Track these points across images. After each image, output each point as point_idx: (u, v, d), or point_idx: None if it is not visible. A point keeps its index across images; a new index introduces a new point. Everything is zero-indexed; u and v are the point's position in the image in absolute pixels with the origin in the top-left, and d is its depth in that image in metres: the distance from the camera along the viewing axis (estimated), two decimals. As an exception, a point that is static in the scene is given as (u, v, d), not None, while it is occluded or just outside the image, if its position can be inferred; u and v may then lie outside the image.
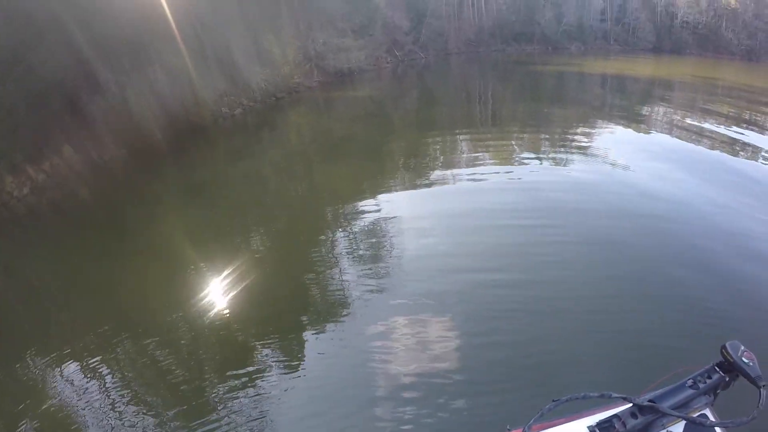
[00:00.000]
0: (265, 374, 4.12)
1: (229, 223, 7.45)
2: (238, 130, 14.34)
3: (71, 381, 4.23)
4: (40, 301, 5.89)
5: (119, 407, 3.88)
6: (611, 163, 9.48)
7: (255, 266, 5.84)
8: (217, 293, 5.39)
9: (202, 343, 4.61)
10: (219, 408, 3.78)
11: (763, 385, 1.58)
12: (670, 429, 1.60)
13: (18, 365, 4.53)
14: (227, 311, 5.07)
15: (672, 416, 1.59)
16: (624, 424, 1.59)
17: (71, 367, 4.40)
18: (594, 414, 1.71)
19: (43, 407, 3.97)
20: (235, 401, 3.85)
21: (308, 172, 9.92)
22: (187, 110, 12.78)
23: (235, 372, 4.16)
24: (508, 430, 1.74)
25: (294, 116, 15.84)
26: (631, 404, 1.62)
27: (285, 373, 4.13)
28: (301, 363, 4.26)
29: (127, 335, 4.76)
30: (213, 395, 3.92)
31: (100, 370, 4.33)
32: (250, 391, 3.95)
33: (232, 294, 5.31)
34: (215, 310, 5.07)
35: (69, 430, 3.71)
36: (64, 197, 9.41)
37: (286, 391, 3.96)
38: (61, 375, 4.33)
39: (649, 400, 1.61)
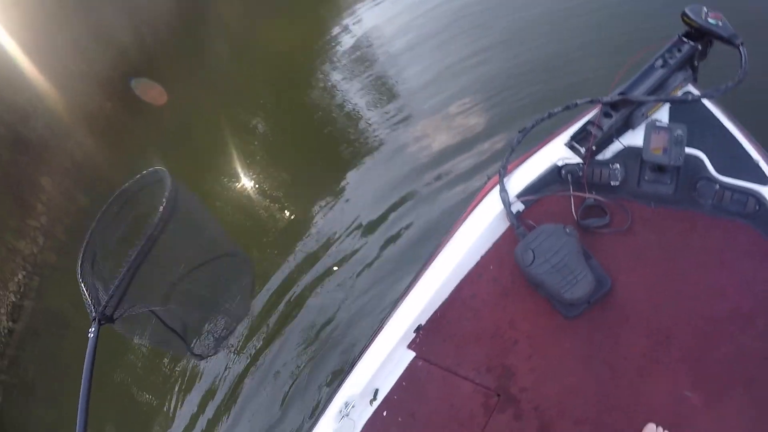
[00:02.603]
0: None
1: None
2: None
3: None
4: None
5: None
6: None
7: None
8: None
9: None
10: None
11: (741, 43, 1.44)
12: (654, 118, 1.49)
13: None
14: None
15: (650, 102, 1.49)
16: (600, 127, 1.51)
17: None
18: (567, 129, 1.63)
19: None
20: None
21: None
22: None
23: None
24: (488, 178, 1.67)
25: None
26: (600, 104, 1.52)
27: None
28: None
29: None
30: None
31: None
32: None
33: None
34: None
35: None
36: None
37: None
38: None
39: (619, 94, 1.50)
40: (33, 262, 5.00)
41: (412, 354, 1.59)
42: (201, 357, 1.64)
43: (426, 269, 1.64)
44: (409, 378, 1.57)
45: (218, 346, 1.61)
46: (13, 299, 4.83)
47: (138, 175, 1.48)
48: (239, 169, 4.60)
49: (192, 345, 1.51)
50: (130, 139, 5.39)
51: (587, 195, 1.56)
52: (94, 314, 1.26)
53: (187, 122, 5.24)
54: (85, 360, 1.19)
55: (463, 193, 3.02)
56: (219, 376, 3.16)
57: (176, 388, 3.29)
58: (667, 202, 1.53)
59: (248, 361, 3.07)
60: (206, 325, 1.56)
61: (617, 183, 1.55)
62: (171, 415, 3.21)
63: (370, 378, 1.55)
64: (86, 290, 1.29)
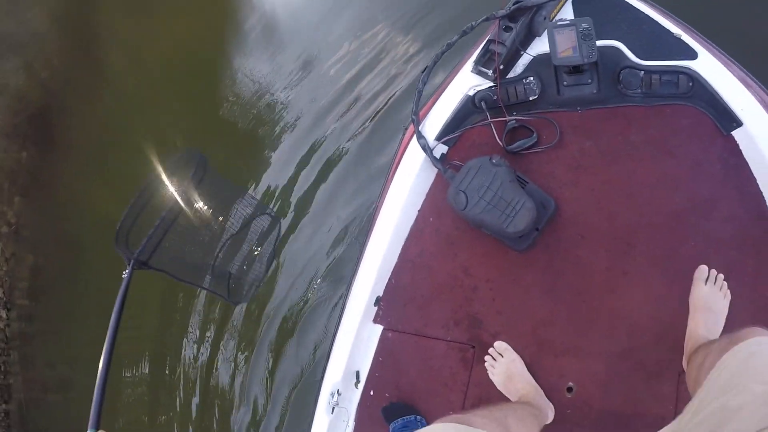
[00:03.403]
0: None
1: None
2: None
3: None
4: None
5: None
6: None
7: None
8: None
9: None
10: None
11: None
12: (558, 18, 1.40)
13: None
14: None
15: (546, 1, 1.39)
16: (502, 44, 1.41)
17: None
18: (471, 55, 1.52)
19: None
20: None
21: None
22: None
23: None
24: (404, 129, 1.61)
25: None
26: (497, 20, 1.42)
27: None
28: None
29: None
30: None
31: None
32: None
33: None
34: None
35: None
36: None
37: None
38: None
39: (514, 3, 1.40)
40: (3, 338, 4.80)
41: (379, 328, 1.53)
42: (236, 302, 1.90)
43: (368, 240, 1.54)
44: (383, 352, 1.51)
45: (251, 295, 1.80)
46: (-2, 382, 4.68)
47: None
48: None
49: (228, 292, 1.69)
50: (59, 181, 5.10)
51: (507, 118, 1.46)
52: (128, 256, 1.35)
53: (109, 144, 4.98)
54: (117, 300, 1.25)
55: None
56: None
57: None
58: (594, 102, 1.44)
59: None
60: (240, 274, 1.74)
61: (536, 96, 1.45)
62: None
63: (347, 362, 1.49)
64: (123, 236, 1.41)
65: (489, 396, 1.41)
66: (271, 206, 2.05)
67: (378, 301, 1.53)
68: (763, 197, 1.29)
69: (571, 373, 1.35)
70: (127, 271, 1.33)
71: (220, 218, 1.67)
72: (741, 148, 1.33)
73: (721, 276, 1.26)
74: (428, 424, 1.37)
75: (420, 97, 1.51)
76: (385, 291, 1.53)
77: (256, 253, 1.77)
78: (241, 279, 1.75)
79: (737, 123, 1.31)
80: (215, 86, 4.76)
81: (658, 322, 1.31)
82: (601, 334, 1.35)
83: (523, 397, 1.29)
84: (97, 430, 1.01)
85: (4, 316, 4.80)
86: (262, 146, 4.04)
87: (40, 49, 5.17)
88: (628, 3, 1.44)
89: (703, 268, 1.26)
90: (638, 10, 1.43)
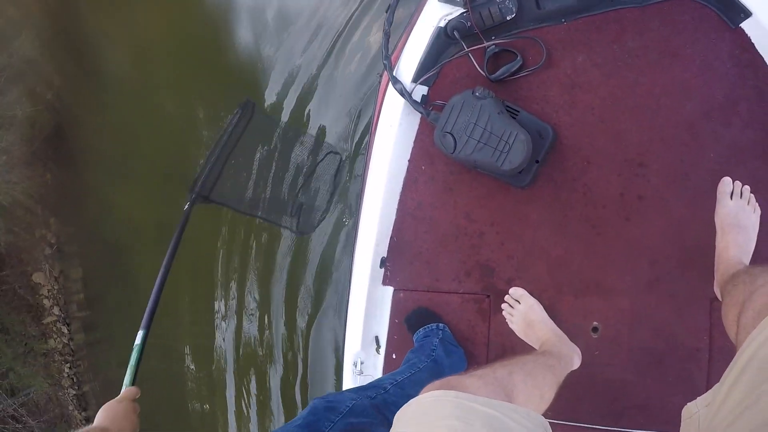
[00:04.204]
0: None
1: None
2: None
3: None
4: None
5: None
6: None
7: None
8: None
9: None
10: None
11: None
12: None
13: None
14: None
15: None
16: None
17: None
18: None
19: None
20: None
21: None
22: None
23: None
24: (379, 75, 1.54)
25: None
26: None
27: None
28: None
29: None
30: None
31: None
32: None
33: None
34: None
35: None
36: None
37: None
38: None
39: None
40: (69, 352, 5.11)
41: (390, 290, 1.47)
42: (302, 233, 2.02)
43: (363, 200, 1.47)
44: (399, 313, 1.46)
45: (316, 226, 1.92)
46: (74, 392, 5.01)
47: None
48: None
49: (297, 222, 1.81)
50: (87, 193, 5.27)
51: (486, 44, 1.31)
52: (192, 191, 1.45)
53: (126, 146, 5.08)
54: (176, 232, 1.32)
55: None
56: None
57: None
58: (580, 10, 1.27)
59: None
60: (306, 207, 1.87)
61: (513, 15, 1.29)
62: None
63: (363, 329, 1.45)
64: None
65: (512, 345, 1.34)
66: (329, 143, 2.15)
67: (384, 263, 1.46)
68: None
69: (595, 313, 1.27)
70: (187, 205, 1.42)
71: (278, 155, 1.78)
72: (753, 41, 1.16)
73: (748, 188, 1.12)
74: (450, 334, 1.38)
75: (388, 40, 1.38)
76: (389, 251, 1.46)
77: (320, 187, 1.88)
78: (307, 212, 1.85)
79: (746, 13, 1.14)
80: (216, 60, 4.71)
81: (682, 248, 1.20)
82: (622, 267, 1.25)
83: (545, 343, 1.20)
84: (148, 330, 1.10)
85: (66, 331, 5.10)
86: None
87: (37, 73, 5.22)
88: None
89: (726, 181, 1.13)
90: None
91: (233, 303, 3.88)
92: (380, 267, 1.46)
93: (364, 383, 1.36)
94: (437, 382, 0.68)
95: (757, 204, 1.12)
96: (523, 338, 1.30)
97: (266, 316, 3.68)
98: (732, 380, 0.59)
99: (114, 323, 5.13)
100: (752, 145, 1.16)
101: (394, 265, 1.46)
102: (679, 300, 1.20)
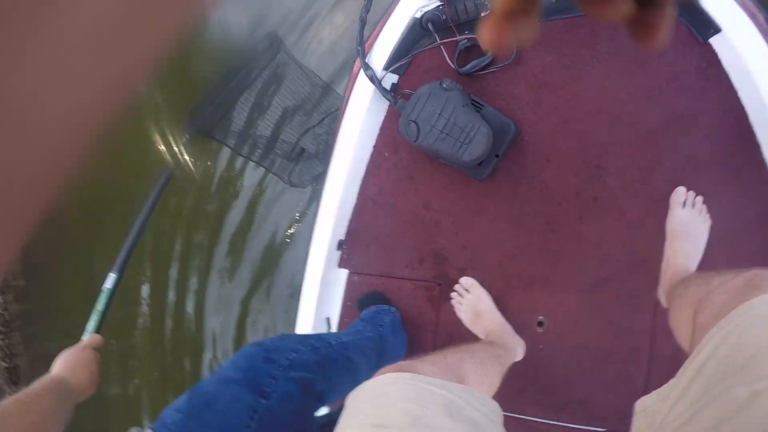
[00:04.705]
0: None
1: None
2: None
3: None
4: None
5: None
6: None
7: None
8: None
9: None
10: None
11: None
12: None
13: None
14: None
15: None
16: None
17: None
18: None
19: None
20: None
21: None
22: None
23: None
24: (353, 61, 1.53)
25: None
26: None
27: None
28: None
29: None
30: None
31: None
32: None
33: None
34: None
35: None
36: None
37: None
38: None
39: None
40: (3, 322, 4.85)
41: (345, 272, 1.48)
42: (294, 185, 1.98)
43: (325, 182, 1.47)
44: (352, 296, 1.47)
45: (311, 182, 1.90)
46: (5, 365, 4.76)
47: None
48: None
49: (289, 172, 1.79)
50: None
51: (458, 37, 1.34)
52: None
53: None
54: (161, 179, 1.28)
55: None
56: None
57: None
58: (554, 12, 1.30)
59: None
60: (308, 155, 1.85)
61: (488, 12, 1.32)
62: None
63: (315, 310, 1.45)
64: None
65: (459, 334, 1.38)
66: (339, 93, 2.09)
67: (341, 245, 1.47)
68: (745, 112, 1.19)
69: (542, 307, 1.31)
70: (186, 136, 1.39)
71: (290, 96, 1.73)
72: (720, 56, 1.21)
73: (700, 198, 1.18)
74: (399, 319, 1.40)
75: (363, 26, 1.39)
76: (347, 234, 1.47)
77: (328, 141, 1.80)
78: (307, 163, 1.82)
79: (716, 29, 1.19)
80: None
81: (631, 251, 1.25)
82: (572, 264, 1.29)
83: (491, 334, 1.24)
84: (122, 274, 1.04)
85: (1, 300, 4.82)
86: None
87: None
88: None
89: (680, 190, 1.19)
90: None
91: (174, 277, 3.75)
92: (337, 249, 1.47)
93: None
94: (391, 366, 0.69)
95: (708, 215, 1.18)
96: (469, 327, 1.33)
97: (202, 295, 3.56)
98: (689, 377, 0.60)
99: (51, 294, 4.91)
100: (708, 158, 1.22)
101: (351, 248, 1.47)
102: (624, 301, 1.26)
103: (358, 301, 1.46)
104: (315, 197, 2.71)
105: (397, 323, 1.38)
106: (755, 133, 1.19)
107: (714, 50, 1.21)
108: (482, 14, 1.33)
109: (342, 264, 1.48)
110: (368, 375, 1.24)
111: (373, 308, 1.39)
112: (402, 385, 0.62)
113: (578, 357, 1.31)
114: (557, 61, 1.32)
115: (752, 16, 1.15)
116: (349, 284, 1.48)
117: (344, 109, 1.45)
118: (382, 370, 0.69)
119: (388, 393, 0.62)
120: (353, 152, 1.42)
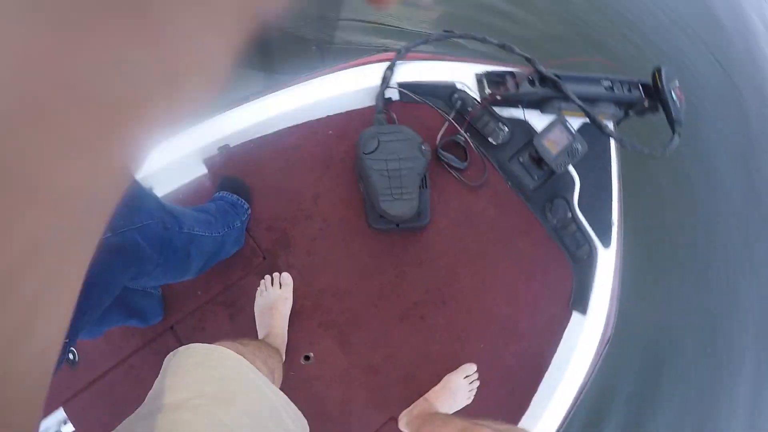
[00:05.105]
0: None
1: None
2: None
3: None
4: None
5: None
6: None
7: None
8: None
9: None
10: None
11: (679, 132, 1.40)
12: (566, 119, 1.41)
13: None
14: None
15: (573, 104, 1.40)
16: (517, 86, 1.41)
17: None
18: (486, 64, 1.50)
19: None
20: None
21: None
22: None
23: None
24: (385, 49, 1.58)
25: None
26: (533, 69, 1.41)
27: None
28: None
29: None
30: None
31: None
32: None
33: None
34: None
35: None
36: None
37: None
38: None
39: (555, 74, 1.41)
40: None
41: (203, 170, 1.41)
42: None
43: (269, 94, 1.43)
44: (192, 192, 1.41)
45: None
46: None
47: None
48: None
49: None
50: None
51: (462, 131, 1.46)
52: None
53: None
54: None
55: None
56: None
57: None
58: (522, 192, 1.50)
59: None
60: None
61: (495, 143, 1.47)
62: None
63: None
64: None
65: (245, 306, 1.36)
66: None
67: (223, 148, 1.42)
68: (542, 374, 1.43)
69: (317, 347, 1.37)
70: None
71: None
72: (566, 328, 1.45)
73: (478, 383, 1.37)
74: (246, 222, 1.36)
75: (422, 44, 1.47)
76: (236, 146, 1.43)
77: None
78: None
79: (583, 310, 1.42)
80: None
81: (413, 368, 1.38)
82: (366, 342, 1.38)
83: (269, 336, 1.26)
84: None
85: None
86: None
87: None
88: (611, 164, 1.50)
89: (473, 367, 1.38)
90: (610, 176, 1.50)
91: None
92: (217, 148, 1.42)
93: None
94: (225, 342, 0.74)
95: (474, 393, 1.37)
96: (256, 314, 1.33)
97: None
98: None
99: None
100: (504, 367, 1.42)
101: (226, 161, 1.43)
102: (375, 398, 1.36)
103: (220, 177, 1.39)
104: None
105: (242, 231, 1.34)
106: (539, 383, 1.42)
107: (568, 320, 1.45)
108: (488, 139, 1.47)
109: (207, 162, 1.42)
110: (193, 275, 1.19)
111: (231, 197, 1.33)
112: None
113: (322, 405, 1.35)
114: (492, 218, 1.49)
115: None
116: (198, 182, 1.42)
117: (337, 69, 1.46)
118: (219, 342, 0.72)
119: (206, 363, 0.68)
120: (312, 102, 1.42)
